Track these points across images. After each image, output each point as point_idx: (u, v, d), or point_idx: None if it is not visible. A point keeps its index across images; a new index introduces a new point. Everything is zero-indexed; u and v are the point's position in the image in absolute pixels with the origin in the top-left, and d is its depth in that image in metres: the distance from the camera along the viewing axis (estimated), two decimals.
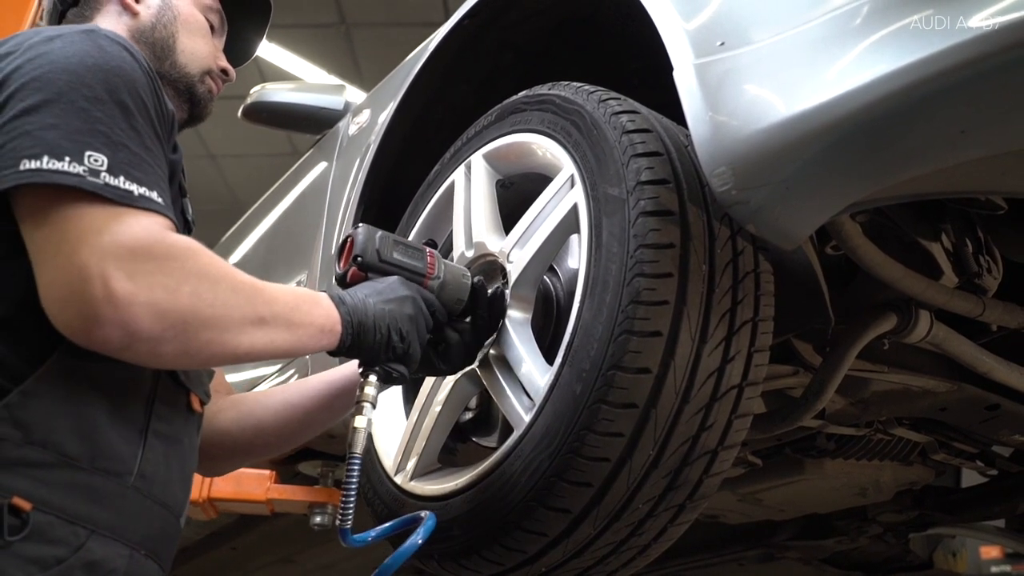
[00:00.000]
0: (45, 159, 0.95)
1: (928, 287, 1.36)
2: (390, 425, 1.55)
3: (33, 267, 0.97)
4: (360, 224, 1.24)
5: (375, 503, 1.47)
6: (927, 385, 1.63)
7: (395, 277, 1.21)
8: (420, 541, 1.15)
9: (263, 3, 1.56)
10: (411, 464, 1.43)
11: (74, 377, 1.01)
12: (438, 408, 1.41)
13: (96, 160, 0.97)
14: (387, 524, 1.24)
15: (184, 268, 0.98)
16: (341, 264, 1.23)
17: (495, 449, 1.28)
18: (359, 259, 1.20)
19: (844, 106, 0.96)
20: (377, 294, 1.17)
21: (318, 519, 2.23)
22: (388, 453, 1.50)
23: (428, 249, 1.27)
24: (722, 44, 1.11)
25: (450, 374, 1.35)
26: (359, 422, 1.17)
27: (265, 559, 3.05)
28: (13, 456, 0.96)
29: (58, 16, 1.37)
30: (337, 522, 1.16)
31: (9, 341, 1.00)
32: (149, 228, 0.98)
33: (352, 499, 1.15)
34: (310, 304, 1.10)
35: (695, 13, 1.18)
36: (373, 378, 1.18)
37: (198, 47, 1.36)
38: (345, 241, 1.24)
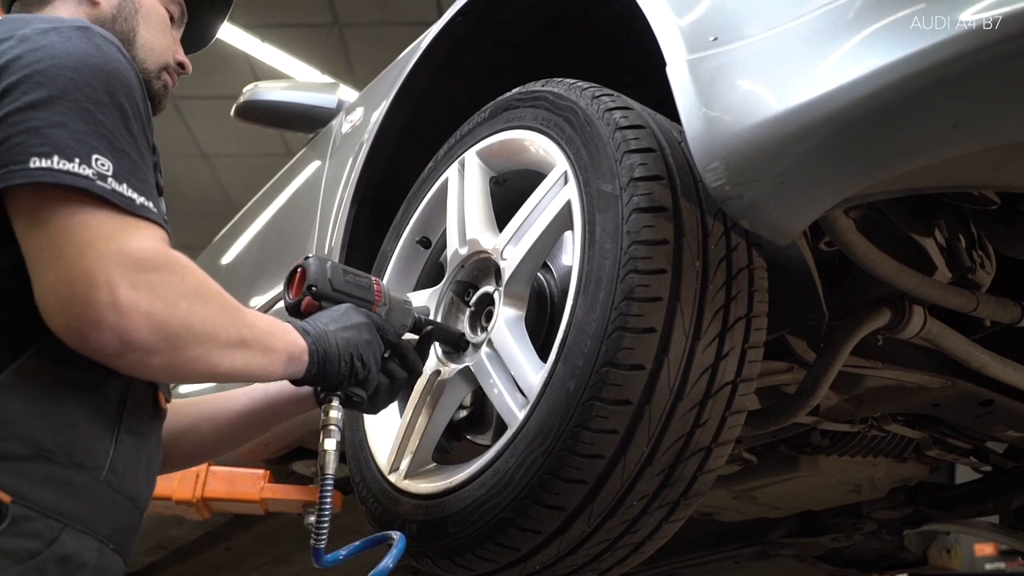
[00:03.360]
0: (56, 159, 0.96)
1: (922, 283, 1.36)
2: (384, 424, 1.55)
3: (29, 265, 0.98)
4: (309, 255, 1.28)
5: (369, 501, 1.47)
6: (921, 381, 1.63)
7: (348, 305, 1.25)
8: (391, 565, 1.18)
9: None
10: (405, 462, 1.42)
11: (51, 371, 1.02)
12: (432, 407, 1.40)
13: (103, 164, 0.98)
14: (357, 543, 1.28)
15: (182, 283, 1.01)
16: (292, 293, 1.27)
17: (489, 447, 1.28)
18: (313, 288, 1.24)
19: (837, 100, 0.96)
20: (335, 322, 1.21)
21: (312, 519, 2.22)
22: (382, 451, 1.50)
23: (373, 278, 1.32)
24: (715, 39, 1.11)
25: (372, 413, 1.37)
26: (328, 444, 1.21)
27: (259, 559, 3.05)
28: None
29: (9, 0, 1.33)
30: (312, 542, 1.20)
31: None
32: (151, 240, 1.00)
33: (326, 519, 1.19)
34: (281, 331, 1.14)
35: (688, 9, 1.17)
36: (336, 402, 1.22)
37: (157, 41, 1.34)
38: (295, 271, 1.28)
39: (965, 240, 1.43)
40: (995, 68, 0.88)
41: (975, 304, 1.42)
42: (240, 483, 2.22)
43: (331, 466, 1.20)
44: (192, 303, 1.01)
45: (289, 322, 1.18)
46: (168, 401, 1.23)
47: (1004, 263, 1.52)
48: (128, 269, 0.96)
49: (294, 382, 1.19)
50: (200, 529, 2.78)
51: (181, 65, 1.39)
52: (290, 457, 2.24)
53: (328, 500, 1.19)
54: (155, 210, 1.03)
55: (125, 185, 1.00)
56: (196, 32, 1.50)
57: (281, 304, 1.99)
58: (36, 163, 0.95)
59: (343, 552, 1.25)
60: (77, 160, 0.96)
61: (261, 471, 2.24)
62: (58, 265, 0.95)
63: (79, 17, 1.25)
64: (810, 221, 1.11)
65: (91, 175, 0.97)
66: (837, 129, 0.97)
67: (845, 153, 1.00)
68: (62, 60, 1.01)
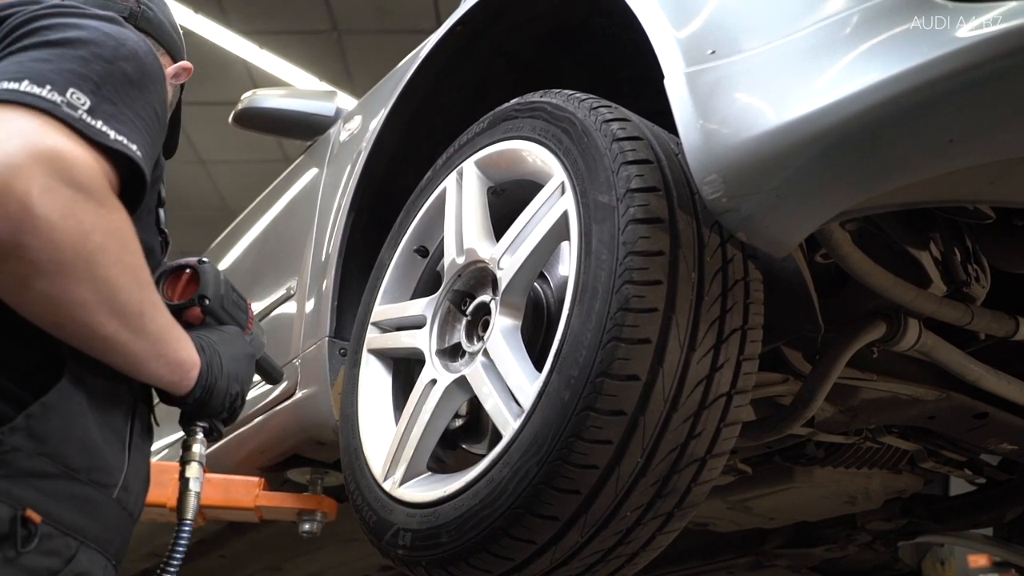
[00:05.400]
0: (25, 83, 0.90)
1: (917, 295, 1.36)
2: (379, 431, 1.55)
3: None
4: (205, 259, 1.19)
5: (363, 509, 1.47)
6: (916, 393, 1.64)
7: (236, 330, 1.18)
8: None
9: None
10: (400, 471, 1.42)
11: (82, 390, 1.01)
12: (427, 415, 1.40)
13: (79, 98, 0.93)
14: None
15: (107, 219, 0.92)
16: (176, 295, 1.17)
17: (484, 456, 1.28)
18: (206, 301, 1.15)
19: (834, 114, 0.96)
20: (227, 348, 1.13)
21: (307, 526, 2.21)
22: (376, 459, 1.50)
23: (247, 299, 1.25)
24: (713, 52, 1.11)
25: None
26: (194, 484, 1.13)
27: (253, 567, 3.04)
28: (25, 467, 0.94)
29: None
30: None
31: (28, 346, 0.98)
32: (99, 168, 0.92)
33: (176, 566, 1.11)
34: (183, 338, 1.06)
35: (686, 21, 1.18)
36: (202, 435, 1.15)
37: None
38: (182, 268, 1.17)
39: (960, 254, 1.44)
40: (991, 84, 0.89)
41: (970, 317, 1.42)
42: (235, 491, 2.21)
43: (191, 510, 1.12)
44: (107, 242, 0.91)
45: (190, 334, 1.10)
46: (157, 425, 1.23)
47: (999, 277, 1.52)
48: (55, 173, 0.87)
49: (169, 400, 1.11)
50: (194, 536, 2.77)
51: None
52: (285, 465, 2.23)
53: (182, 546, 1.10)
54: (138, 153, 0.95)
55: (100, 122, 0.93)
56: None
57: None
58: (2, 85, 0.90)
59: None
60: (48, 87, 0.91)
61: (256, 479, 2.24)
62: None
63: None
64: (806, 234, 1.12)
65: (59, 101, 0.90)
66: (834, 143, 0.98)
67: (842, 167, 1.00)
68: (76, 22, 0.99)
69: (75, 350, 0.99)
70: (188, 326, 1.14)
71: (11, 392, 0.96)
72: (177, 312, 1.15)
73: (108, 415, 1.05)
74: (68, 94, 0.92)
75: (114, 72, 0.97)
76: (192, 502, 1.13)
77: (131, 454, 1.08)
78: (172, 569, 1.10)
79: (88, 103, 0.93)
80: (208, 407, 1.12)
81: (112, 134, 0.94)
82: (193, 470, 1.13)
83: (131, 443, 1.09)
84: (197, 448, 1.14)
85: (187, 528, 1.12)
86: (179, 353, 1.06)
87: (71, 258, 0.89)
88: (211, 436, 1.16)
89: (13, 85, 0.90)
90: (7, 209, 0.85)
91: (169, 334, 1.04)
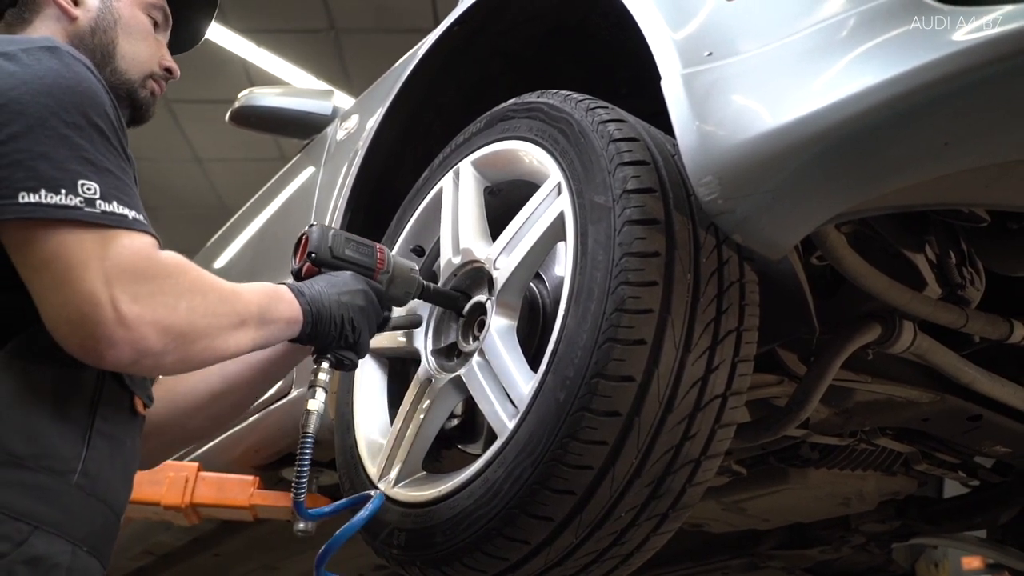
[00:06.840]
0: (43, 192, 0.99)
1: (912, 298, 1.36)
2: (374, 431, 1.55)
3: (33, 294, 1.02)
4: (314, 223, 1.31)
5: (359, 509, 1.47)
6: (910, 395, 1.64)
7: (348, 272, 1.29)
8: (366, 515, 1.22)
9: None
10: (395, 471, 1.43)
11: (20, 379, 1.05)
12: (423, 415, 1.40)
13: (89, 189, 1.02)
14: (341, 501, 1.32)
15: (179, 285, 1.06)
16: (296, 260, 1.32)
17: (479, 456, 1.28)
18: (313, 255, 1.29)
19: (830, 117, 0.96)
20: (331, 286, 1.26)
21: (301, 525, 2.21)
22: (372, 459, 1.50)
23: (378, 245, 1.35)
24: (710, 54, 1.11)
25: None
26: (313, 404, 1.26)
27: (248, 566, 3.03)
28: None
29: None
30: (292, 492, 1.24)
31: None
32: (142, 250, 1.04)
33: (305, 474, 1.23)
34: (276, 300, 1.20)
35: (683, 23, 1.18)
36: (326, 364, 1.27)
37: (139, 51, 1.33)
38: (300, 238, 1.32)
39: (955, 256, 1.44)
40: (987, 88, 0.89)
41: (965, 320, 1.43)
42: (229, 489, 2.21)
43: (312, 426, 1.24)
44: (191, 301, 1.07)
45: (287, 284, 1.24)
46: (147, 407, 1.24)
47: (994, 280, 1.52)
48: (127, 283, 1.01)
49: (290, 341, 1.24)
50: (188, 535, 2.77)
51: (168, 70, 1.38)
52: (280, 463, 2.23)
53: (307, 457, 1.23)
54: (146, 221, 1.07)
55: (115, 203, 1.03)
56: (185, 32, 1.49)
57: None
58: (24, 198, 0.98)
59: (327, 508, 1.30)
60: (64, 191, 1.00)
61: (251, 477, 2.24)
62: (62, 290, 1.00)
63: (51, 36, 1.24)
64: (802, 236, 1.12)
65: (79, 203, 1.00)
66: (830, 146, 0.98)
67: (837, 169, 1.00)
68: (34, 85, 1.03)
69: (20, 342, 1.05)
70: (309, 277, 1.29)
71: None
72: (299, 273, 1.31)
73: (58, 402, 1.08)
74: (80, 188, 1.01)
75: (92, 137, 1.05)
76: (312, 419, 1.25)
77: (93, 440, 1.10)
78: (302, 477, 1.23)
79: (97, 188, 1.02)
80: (319, 337, 1.23)
81: (130, 214, 1.04)
82: (315, 394, 1.26)
83: (94, 429, 1.11)
84: (321, 376, 1.26)
85: (307, 442, 1.23)
86: (284, 314, 1.19)
87: (178, 332, 1.05)
88: (343, 366, 1.28)
89: (34, 198, 0.99)
90: (117, 336, 1.00)
91: (268, 309, 1.17)
